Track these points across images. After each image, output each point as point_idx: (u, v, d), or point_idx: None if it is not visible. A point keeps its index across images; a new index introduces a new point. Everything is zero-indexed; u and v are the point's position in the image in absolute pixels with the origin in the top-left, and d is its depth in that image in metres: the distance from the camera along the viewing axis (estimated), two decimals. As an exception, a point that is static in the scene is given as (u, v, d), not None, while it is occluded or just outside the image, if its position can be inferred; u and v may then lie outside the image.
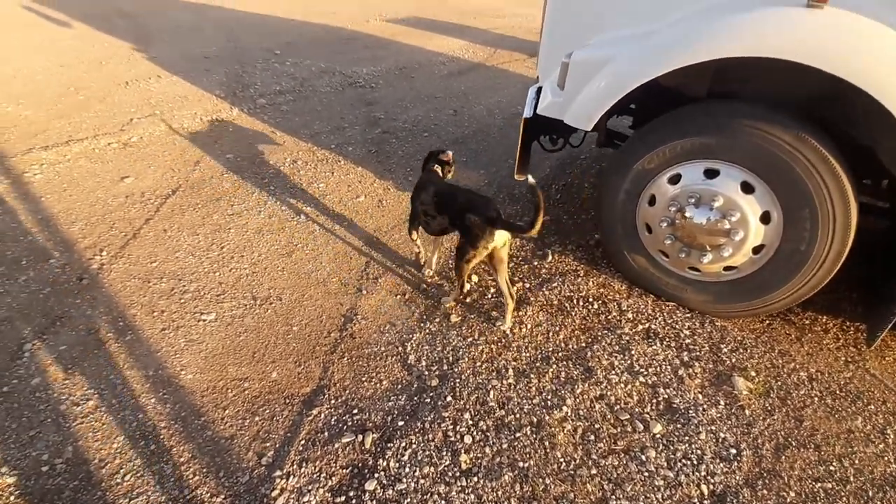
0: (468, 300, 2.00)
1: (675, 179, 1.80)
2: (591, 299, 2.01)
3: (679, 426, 1.49)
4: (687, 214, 1.78)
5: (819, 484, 1.35)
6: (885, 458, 1.43)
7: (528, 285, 2.09)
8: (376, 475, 1.32)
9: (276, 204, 2.62)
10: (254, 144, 3.31)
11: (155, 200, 2.57)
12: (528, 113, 2.08)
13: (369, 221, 2.54)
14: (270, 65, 5.18)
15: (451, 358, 1.71)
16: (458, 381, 1.62)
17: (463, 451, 1.39)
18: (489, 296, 2.03)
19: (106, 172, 2.81)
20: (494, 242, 1.69)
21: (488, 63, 6.00)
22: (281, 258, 2.21)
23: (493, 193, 2.90)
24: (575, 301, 2.00)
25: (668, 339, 1.82)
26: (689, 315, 1.95)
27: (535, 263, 2.25)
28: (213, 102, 4.01)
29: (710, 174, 1.72)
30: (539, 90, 2.18)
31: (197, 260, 2.14)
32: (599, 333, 1.83)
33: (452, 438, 1.43)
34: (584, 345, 1.78)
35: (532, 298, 2.01)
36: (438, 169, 2.10)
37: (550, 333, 1.83)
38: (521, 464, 1.37)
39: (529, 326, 1.86)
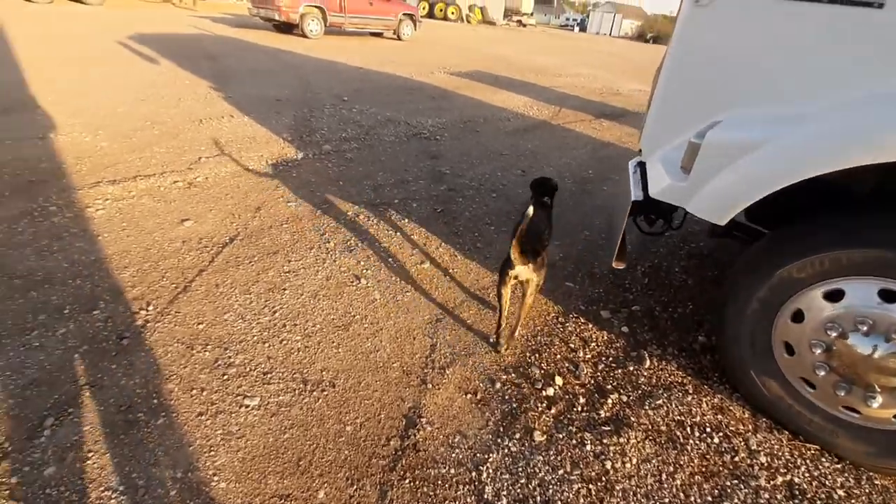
0: (553, 409, 1.66)
1: (834, 296, 1.44)
2: (708, 429, 1.62)
3: None
4: (850, 342, 1.40)
5: None
6: None
7: (625, 398, 1.73)
8: None
9: (334, 264, 2.41)
10: (316, 193, 3.18)
11: (211, 249, 2.42)
12: (636, 195, 1.79)
13: (435, 293, 2.28)
14: (338, 111, 5.21)
15: (538, 499, 1.36)
16: (548, 534, 1.26)
17: None
18: (577, 408, 1.68)
19: (167, 213, 2.71)
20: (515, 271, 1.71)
21: (553, 122, 5.85)
22: (337, 331, 1.95)
23: (569, 271, 2.59)
24: (688, 429, 1.61)
25: (818, 503, 1.40)
26: (839, 467, 1.52)
27: (631, 368, 1.89)
28: (280, 145, 3.98)
29: (889, 297, 1.35)
30: (642, 166, 1.90)
31: (246, 325, 1.92)
32: (727, 484, 1.43)
33: None
34: (709, 499, 1.39)
35: (634, 419, 1.64)
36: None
37: (663, 475, 1.45)
38: None
39: (635, 461, 1.49)
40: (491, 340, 1.97)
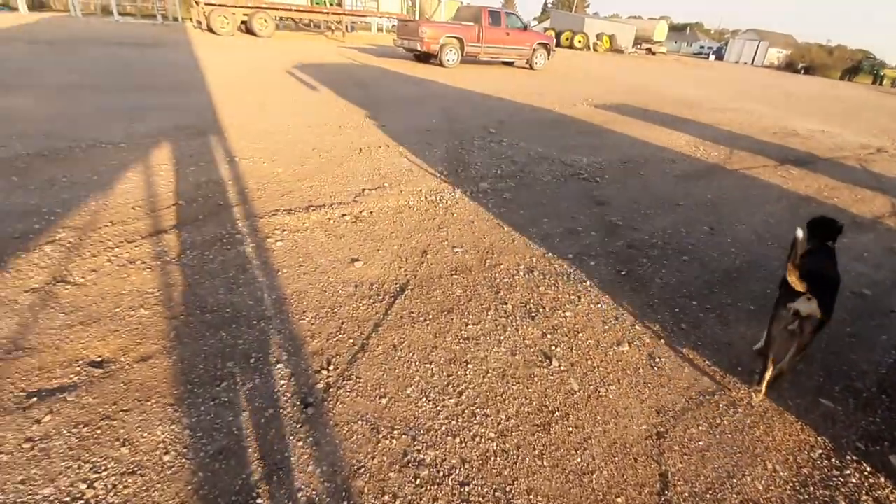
0: None
1: None
2: None
3: None
4: None
5: None
6: None
7: None
8: None
9: (517, 333, 2.07)
10: (481, 238, 2.92)
11: (384, 298, 2.23)
12: None
13: (644, 390, 1.81)
14: (487, 144, 5.02)
15: None
16: None
17: None
18: None
19: (338, 250, 2.62)
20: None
21: (728, 166, 5.05)
22: (536, 432, 1.59)
23: (819, 382, 1.95)
24: None
25: None
26: None
27: None
28: (436, 180, 3.84)
29: None
30: None
31: (432, 406, 1.64)
32: None
33: None
34: None
35: None
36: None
37: None
38: None
39: None
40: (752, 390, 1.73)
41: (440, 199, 3.45)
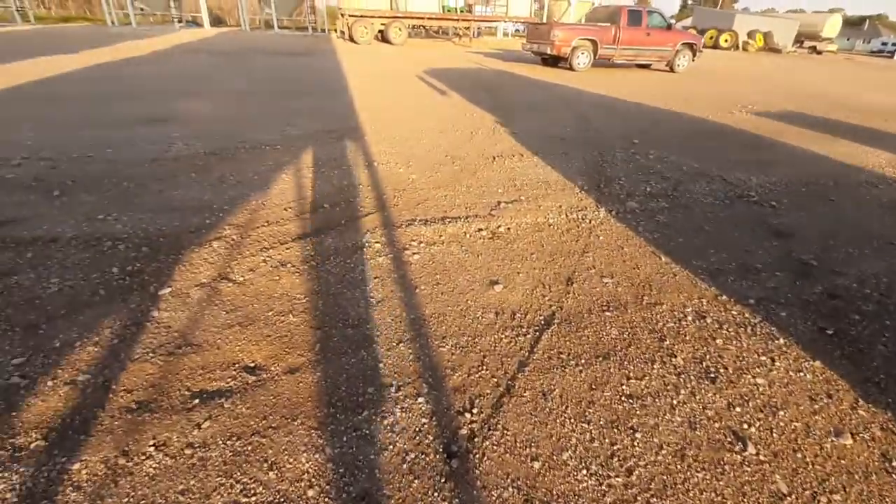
0: None
1: None
2: None
3: None
4: None
5: None
6: None
7: None
8: None
9: (693, 399, 1.69)
10: (634, 268, 2.54)
11: (528, 332, 2.00)
12: None
13: (890, 513, 1.33)
14: (631, 156, 4.52)
15: None
16: None
17: None
18: None
19: (476, 269, 2.45)
20: None
21: (961, 196, 3.91)
22: (736, 546, 1.22)
23: None
24: None
25: None
26: None
27: None
28: (577, 195, 3.50)
29: None
30: None
31: (595, 484, 1.36)
32: None
33: None
34: None
35: None
36: None
37: None
38: None
39: None
40: None
41: (583, 218, 3.12)
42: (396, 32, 18.62)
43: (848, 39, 55.77)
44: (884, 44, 50.92)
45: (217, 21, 30.18)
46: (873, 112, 7.95)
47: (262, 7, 26.98)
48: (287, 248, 2.55)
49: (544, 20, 27.86)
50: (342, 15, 18.76)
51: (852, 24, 57.79)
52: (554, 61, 12.36)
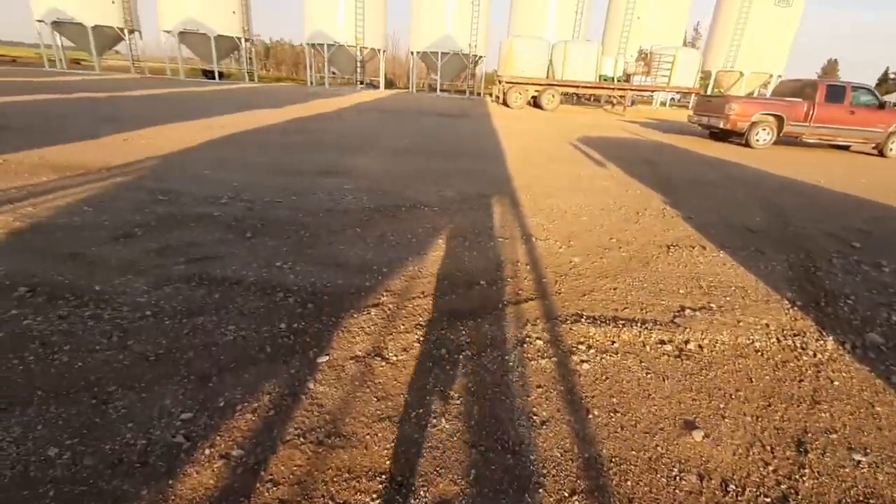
0: None
1: None
2: None
3: None
4: None
5: None
6: None
7: None
8: None
9: None
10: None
11: (752, 520, 1.44)
12: None
13: None
14: (854, 265, 3.58)
15: None
16: None
17: None
18: None
19: (662, 398, 1.96)
20: None
21: None
22: None
23: None
24: None
25: None
26: None
27: None
28: (788, 313, 2.78)
29: None
30: None
31: None
32: None
33: None
34: None
35: None
36: None
37: None
38: None
39: None
40: None
41: (802, 348, 2.42)
42: (549, 99, 19.03)
43: None
44: None
45: (390, 84, 34.56)
46: None
47: (429, 72, 30.17)
48: (441, 329, 2.36)
49: (709, 91, 26.12)
50: (499, 81, 19.89)
51: None
52: (724, 136, 11.23)
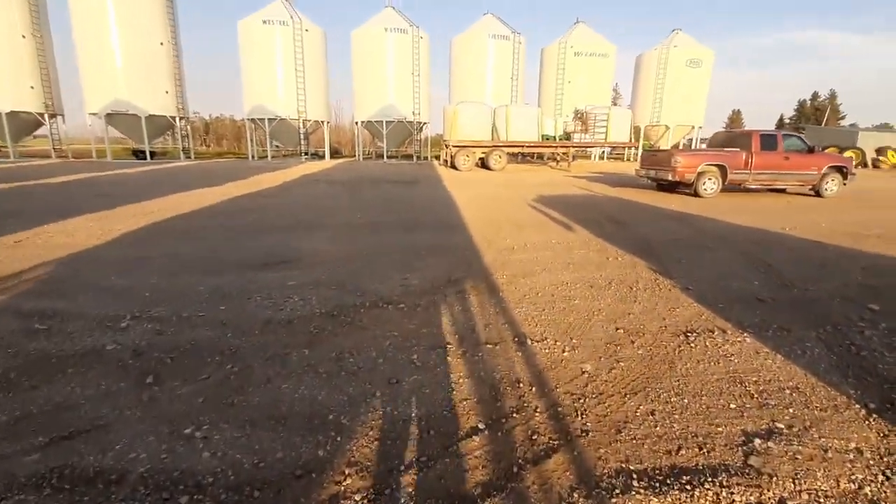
0: None
1: None
2: None
3: None
4: None
5: None
6: None
7: None
8: None
9: None
10: None
11: None
12: None
13: None
14: (883, 332, 3.12)
15: None
16: None
17: None
18: None
19: None
20: None
21: None
22: None
23: None
24: None
25: None
26: None
27: None
28: (871, 426, 2.18)
29: None
30: None
31: None
32: None
33: None
34: None
35: None
36: None
37: None
38: None
39: None
40: None
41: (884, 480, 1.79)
42: (496, 159, 19.35)
43: None
44: None
45: (335, 153, 34.55)
46: None
47: (374, 140, 30.43)
48: (441, 539, 1.53)
49: (641, 144, 27.91)
50: (446, 146, 20.11)
51: None
52: (672, 187, 11.47)
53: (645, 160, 12.07)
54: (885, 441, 2.07)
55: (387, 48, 24.04)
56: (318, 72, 24.79)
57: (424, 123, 26.59)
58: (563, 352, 2.88)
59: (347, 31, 26.10)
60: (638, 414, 2.25)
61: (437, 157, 26.16)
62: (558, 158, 22.48)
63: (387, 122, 24.89)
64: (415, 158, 27.60)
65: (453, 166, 19.21)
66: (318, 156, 29.33)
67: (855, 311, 3.58)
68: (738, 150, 10.71)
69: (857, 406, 2.33)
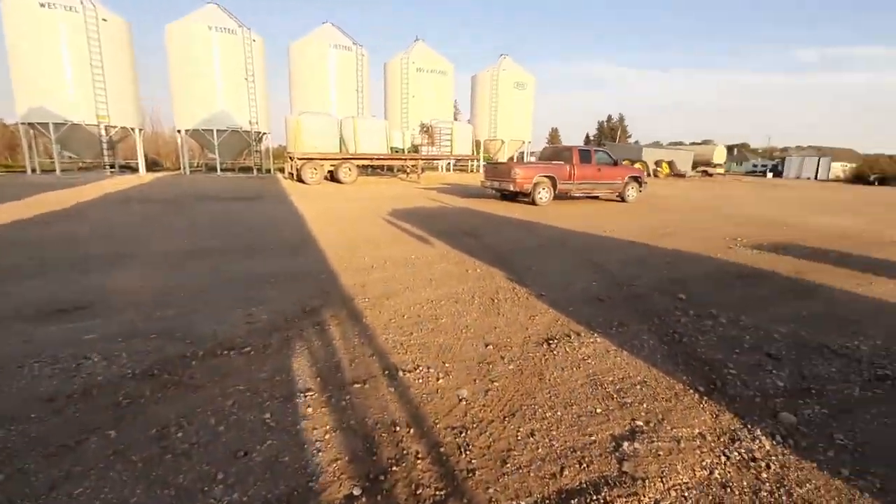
0: None
1: None
2: None
3: None
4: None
5: None
6: None
7: None
8: None
9: None
10: None
11: None
12: None
13: None
14: (697, 321, 3.70)
15: None
16: None
17: None
18: None
19: None
20: None
21: None
22: None
23: None
24: None
25: None
26: None
27: None
28: (704, 409, 2.48)
29: None
30: None
31: None
32: None
33: None
34: None
35: None
36: None
37: None
38: None
39: None
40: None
41: (753, 460, 2.05)
42: (346, 172, 18.80)
43: (725, 163, 66.38)
44: (755, 165, 60.72)
45: (154, 165, 29.68)
46: (846, 237, 8.21)
47: (204, 151, 26.99)
48: None
49: (481, 157, 30.22)
50: (291, 158, 18.83)
51: (728, 151, 69.60)
52: (513, 196, 12.52)
53: (489, 172, 12.96)
54: (717, 422, 2.35)
55: (213, 49, 21.54)
56: (122, 70, 20.89)
57: (264, 134, 24.54)
58: (438, 379, 2.70)
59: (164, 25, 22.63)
60: (519, 438, 2.17)
61: (282, 170, 24.41)
62: (408, 170, 22.91)
63: (218, 130, 22.24)
64: (255, 172, 25.24)
65: (300, 180, 18.05)
66: (129, 169, 24.80)
67: (671, 302, 4.20)
68: (563, 163, 12.21)
69: (692, 391, 2.64)
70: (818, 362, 3.04)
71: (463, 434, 2.19)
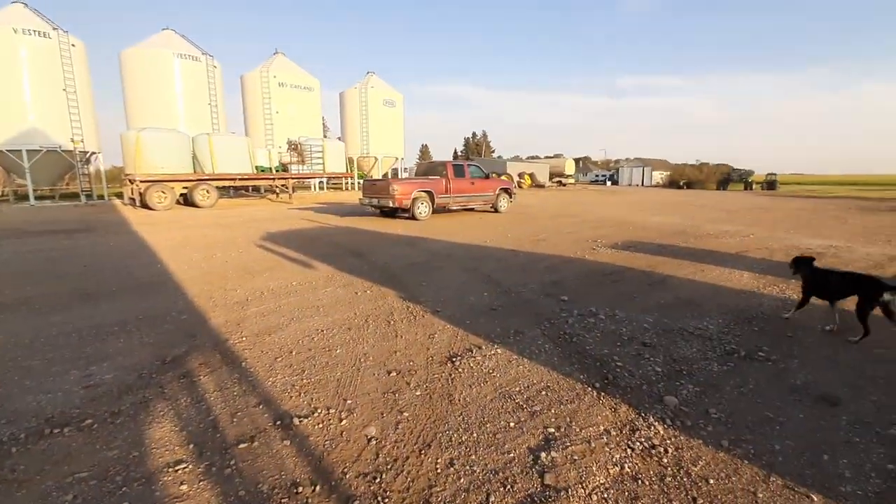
0: None
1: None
2: None
3: None
4: None
5: None
6: None
7: None
8: None
9: None
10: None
11: None
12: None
13: None
14: (582, 320, 3.98)
15: None
16: None
17: None
18: None
19: None
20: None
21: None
22: None
23: None
24: None
25: None
26: None
27: None
28: (603, 405, 2.62)
29: None
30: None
31: None
32: None
33: None
34: None
35: None
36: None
37: None
38: None
39: None
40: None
41: (653, 449, 2.19)
42: (203, 195, 16.84)
43: (574, 174, 75.69)
44: (596, 175, 70.10)
45: (-69, 195, 23.27)
46: (677, 232, 9.73)
47: (11, 176, 21.96)
48: None
49: (356, 174, 29.72)
50: (130, 181, 16.23)
51: (575, 164, 79.48)
52: (393, 212, 12.45)
53: (367, 189, 12.71)
54: (617, 415, 2.49)
55: (20, 53, 17.71)
56: None
57: (93, 153, 20.84)
58: (341, 420, 2.42)
59: (-67, 22, 17.86)
60: (439, 471, 2.02)
61: (120, 196, 20.97)
62: (278, 191, 21.44)
63: (29, 151, 18.24)
64: (84, 199, 21.20)
65: (145, 206, 15.65)
66: None
67: (556, 304, 4.45)
68: (438, 177, 12.52)
69: (590, 388, 2.77)
70: (682, 345, 3.46)
71: (378, 479, 1.97)
